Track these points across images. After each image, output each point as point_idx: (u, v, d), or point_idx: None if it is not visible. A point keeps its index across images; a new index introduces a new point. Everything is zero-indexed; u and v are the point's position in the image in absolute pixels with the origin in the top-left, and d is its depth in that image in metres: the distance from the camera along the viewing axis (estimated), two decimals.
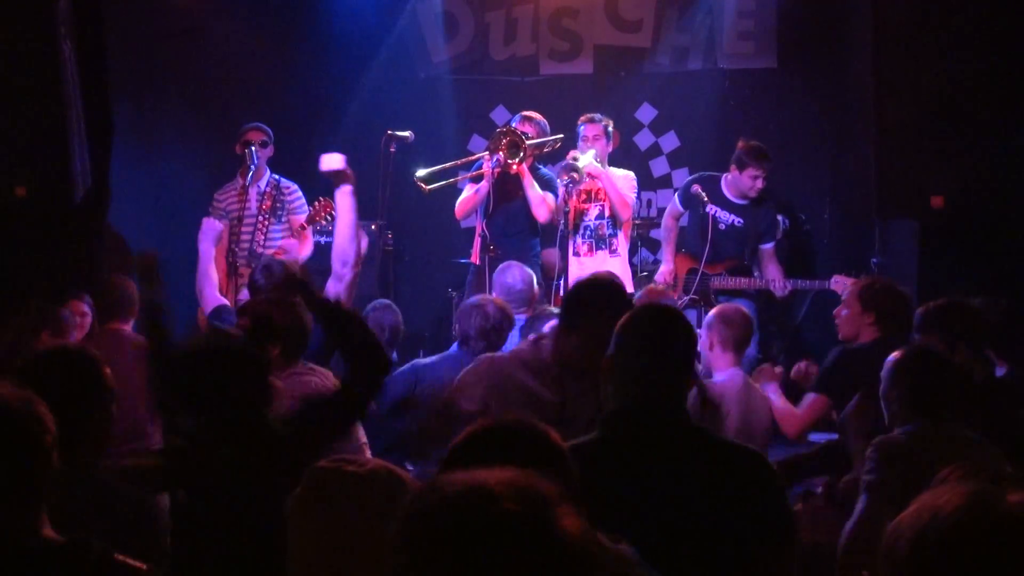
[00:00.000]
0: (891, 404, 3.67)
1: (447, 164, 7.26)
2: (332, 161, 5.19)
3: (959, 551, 1.39)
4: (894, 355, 3.72)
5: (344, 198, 5.24)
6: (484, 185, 6.98)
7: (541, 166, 7.26)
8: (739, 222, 7.20)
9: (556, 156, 7.74)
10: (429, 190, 7.08)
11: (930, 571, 1.40)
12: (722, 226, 7.22)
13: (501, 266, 6.17)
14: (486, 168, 6.93)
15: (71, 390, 2.85)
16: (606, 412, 2.83)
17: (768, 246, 7.29)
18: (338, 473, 2.19)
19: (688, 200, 7.37)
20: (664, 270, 7.36)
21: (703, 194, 7.48)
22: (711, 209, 7.22)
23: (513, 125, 7.18)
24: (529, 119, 7.23)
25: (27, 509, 2.05)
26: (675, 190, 9.12)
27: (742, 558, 2.65)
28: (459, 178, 7.27)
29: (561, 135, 7.31)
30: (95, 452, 2.93)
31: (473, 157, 7.45)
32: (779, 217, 7.53)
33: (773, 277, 7.12)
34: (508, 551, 1.28)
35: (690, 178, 7.54)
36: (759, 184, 7.16)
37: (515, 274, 5.97)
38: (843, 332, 5.11)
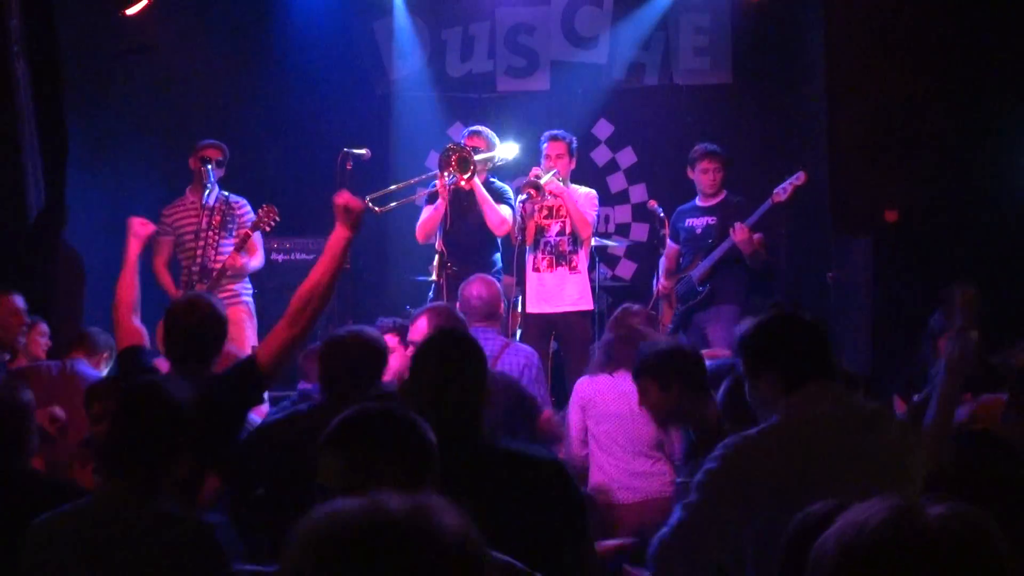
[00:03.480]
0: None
1: (399, 184, 7.24)
2: (351, 198, 4.38)
3: (884, 566, 1.40)
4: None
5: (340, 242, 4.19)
6: (440, 203, 6.97)
7: (495, 180, 7.25)
8: (712, 220, 7.26)
9: (511, 170, 7.76)
10: (381, 211, 7.06)
11: None
12: (698, 230, 7.33)
13: (466, 280, 6.12)
14: (440, 186, 6.92)
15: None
16: None
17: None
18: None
19: (672, 229, 7.50)
20: (659, 286, 7.57)
21: (658, 209, 7.59)
22: (689, 222, 7.37)
23: (462, 141, 7.17)
24: (477, 133, 7.22)
25: None
26: (632, 205, 9.20)
27: (545, 561, 2.77)
28: (412, 197, 7.23)
29: (515, 147, 7.30)
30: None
31: (424, 176, 7.41)
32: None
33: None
34: (396, 558, 1.33)
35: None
36: (713, 177, 7.26)
37: (472, 289, 5.91)
38: None
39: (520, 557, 2.50)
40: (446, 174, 6.85)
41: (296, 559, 1.37)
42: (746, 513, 2.82)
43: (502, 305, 5.96)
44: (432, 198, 7.10)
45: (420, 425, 2.35)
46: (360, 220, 4.11)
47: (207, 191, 7.01)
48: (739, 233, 6.93)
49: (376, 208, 7.00)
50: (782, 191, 7.03)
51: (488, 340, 5.50)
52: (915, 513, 1.43)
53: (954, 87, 7.06)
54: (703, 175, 7.29)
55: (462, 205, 7.02)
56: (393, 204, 7.14)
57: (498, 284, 6.03)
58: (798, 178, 7.01)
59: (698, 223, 7.35)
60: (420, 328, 4.98)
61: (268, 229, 6.95)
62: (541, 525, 2.96)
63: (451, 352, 3.19)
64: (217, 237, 7.05)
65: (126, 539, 2.81)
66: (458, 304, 5.82)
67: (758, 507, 2.79)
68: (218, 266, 6.96)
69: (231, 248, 7.05)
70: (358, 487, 1.56)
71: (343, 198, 4.06)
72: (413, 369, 3.20)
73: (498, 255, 7.19)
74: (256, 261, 7.17)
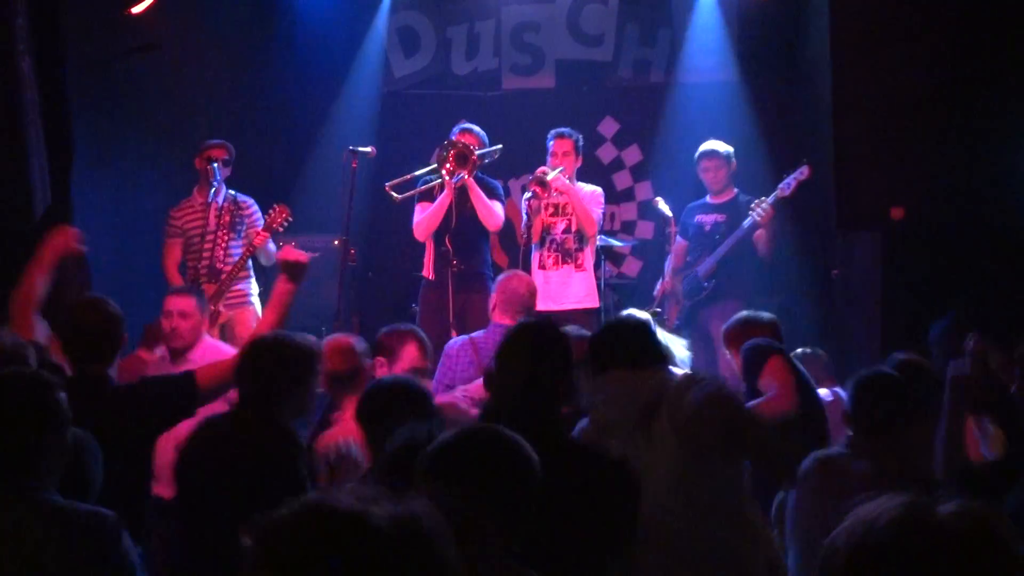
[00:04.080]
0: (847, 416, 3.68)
1: (417, 172, 7.24)
2: (296, 253, 4.40)
3: (895, 564, 1.40)
4: (860, 374, 3.73)
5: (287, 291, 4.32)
6: (446, 198, 6.97)
7: (484, 176, 7.25)
8: (722, 217, 7.27)
9: (517, 168, 7.76)
10: (400, 199, 7.07)
11: None
12: (708, 227, 7.34)
13: (506, 273, 6.05)
14: (447, 183, 6.91)
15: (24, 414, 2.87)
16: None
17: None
18: None
19: (681, 225, 7.49)
20: (662, 283, 7.57)
21: (664, 207, 7.60)
22: (699, 219, 7.41)
23: (453, 137, 7.16)
24: (469, 130, 7.21)
25: None
26: (638, 202, 9.19)
27: (600, 559, 2.83)
28: (429, 185, 7.18)
29: (500, 146, 7.30)
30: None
31: (435, 165, 7.34)
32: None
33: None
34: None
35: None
36: (715, 176, 7.30)
37: (521, 282, 5.85)
38: None
39: (579, 554, 2.50)
40: (448, 171, 6.85)
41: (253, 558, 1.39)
42: None
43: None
44: (426, 195, 7.09)
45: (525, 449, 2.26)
46: (303, 273, 4.28)
47: (213, 190, 7.02)
48: (767, 214, 6.94)
49: (396, 196, 7.01)
50: (786, 186, 7.04)
51: None
52: (926, 511, 1.43)
53: (961, 83, 7.03)
54: (704, 174, 7.38)
55: (458, 202, 7.03)
56: (411, 192, 7.15)
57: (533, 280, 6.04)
58: (802, 172, 7.01)
59: (708, 220, 7.36)
60: (411, 354, 4.83)
61: (281, 230, 6.97)
62: (603, 522, 2.95)
63: (541, 342, 3.21)
64: (226, 237, 7.06)
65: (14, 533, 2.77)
66: (497, 297, 5.74)
67: None
68: (227, 267, 6.98)
69: (239, 248, 7.06)
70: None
71: (289, 254, 4.23)
72: (500, 361, 3.22)
73: (488, 248, 7.24)
74: (269, 261, 7.15)
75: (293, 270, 4.24)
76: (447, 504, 1.60)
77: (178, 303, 5.64)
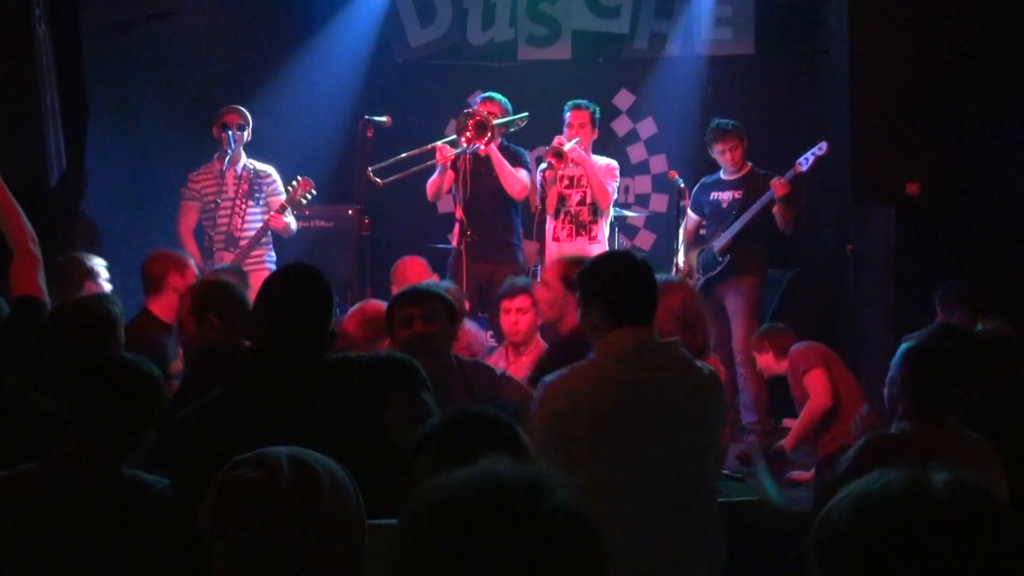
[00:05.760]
0: (894, 392, 3.60)
1: (400, 156, 7.22)
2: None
3: (897, 533, 1.42)
4: (907, 344, 3.69)
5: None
6: (449, 173, 6.99)
7: (509, 143, 7.23)
8: (739, 194, 7.23)
9: (533, 139, 7.74)
10: (384, 184, 7.05)
11: (871, 556, 1.43)
12: (724, 204, 7.30)
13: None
14: (440, 158, 6.90)
15: None
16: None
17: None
18: (240, 481, 1.86)
19: (694, 200, 7.46)
20: (678, 262, 7.51)
21: (678, 180, 7.56)
22: (715, 195, 7.36)
23: (475, 107, 7.15)
24: (491, 99, 7.20)
25: None
26: (652, 175, 9.17)
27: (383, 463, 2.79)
28: (424, 166, 7.18)
29: (526, 113, 7.28)
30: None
31: (427, 147, 7.28)
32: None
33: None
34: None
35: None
36: (731, 156, 7.24)
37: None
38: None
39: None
40: (463, 141, 6.84)
41: (413, 529, 1.40)
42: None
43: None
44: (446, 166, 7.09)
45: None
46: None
47: (229, 156, 7.03)
48: (780, 188, 6.92)
49: (379, 180, 7.00)
50: (804, 161, 7.00)
51: None
52: (922, 480, 1.46)
53: (978, 60, 6.99)
54: (720, 156, 7.30)
55: (480, 171, 7.03)
56: (395, 177, 7.13)
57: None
58: (820, 148, 6.97)
59: (724, 196, 7.32)
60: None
61: (305, 202, 6.99)
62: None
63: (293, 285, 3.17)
64: (244, 206, 7.08)
65: (92, 504, 2.80)
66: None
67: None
68: (245, 235, 6.99)
69: (258, 217, 7.08)
70: None
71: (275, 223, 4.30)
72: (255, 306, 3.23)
73: (518, 221, 7.19)
74: (294, 224, 7.17)
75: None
76: None
77: None
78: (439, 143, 7.06)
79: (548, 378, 3.32)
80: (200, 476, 1.98)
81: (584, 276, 3.46)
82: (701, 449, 3.37)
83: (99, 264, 5.55)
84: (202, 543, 1.81)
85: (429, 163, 7.10)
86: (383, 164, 7.07)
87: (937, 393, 3.50)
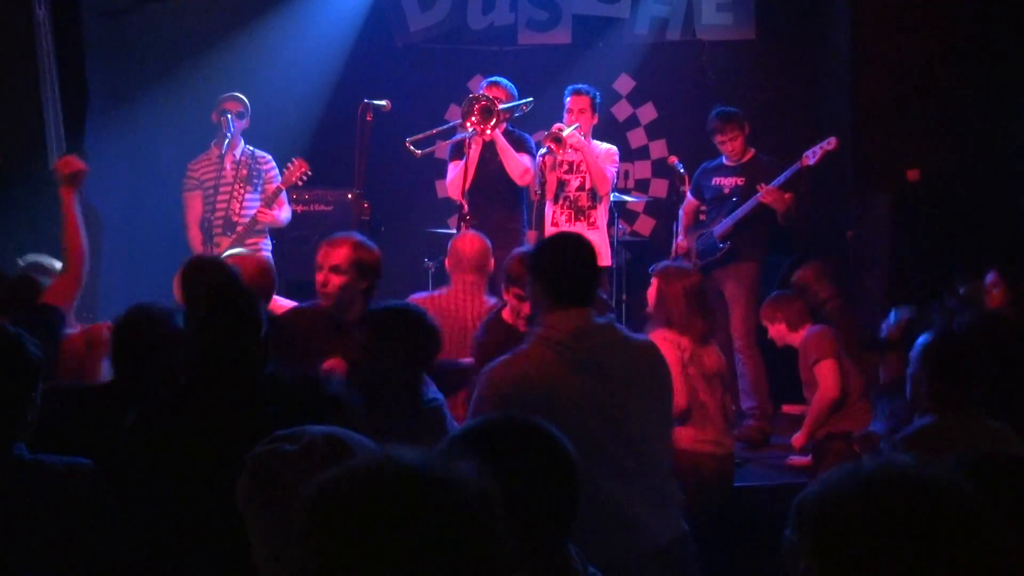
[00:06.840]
0: (917, 386, 3.65)
1: (436, 130, 7.25)
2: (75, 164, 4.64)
3: (867, 517, 1.46)
4: (925, 338, 3.70)
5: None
6: (475, 154, 6.97)
7: (514, 128, 7.22)
8: (741, 180, 7.21)
9: (534, 124, 7.73)
10: (421, 155, 7.08)
11: (850, 541, 1.47)
12: (726, 190, 7.28)
13: (459, 234, 6.08)
14: (475, 138, 6.89)
15: None
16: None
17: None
18: (275, 455, 1.92)
19: (695, 185, 7.45)
20: (677, 243, 7.47)
21: (678, 165, 7.55)
22: (717, 181, 7.32)
23: (481, 91, 7.14)
24: (496, 84, 7.18)
25: None
26: (652, 161, 9.16)
27: None
28: (446, 142, 7.20)
29: (531, 99, 7.27)
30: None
31: (455, 123, 7.32)
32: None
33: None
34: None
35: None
36: (732, 146, 7.21)
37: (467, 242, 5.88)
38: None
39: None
40: (467, 125, 6.82)
41: (308, 516, 1.40)
42: None
43: (491, 262, 5.85)
44: (456, 152, 7.08)
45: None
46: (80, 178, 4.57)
47: (227, 142, 7.03)
48: (767, 195, 6.89)
49: (417, 151, 7.01)
50: (812, 155, 6.97)
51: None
52: (901, 467, 1.51)
53: (979, 47, 6.99)
54: (722, 146, 7.25)
55: (484, 156, 7.02)
56: (430, 149, 7.17)
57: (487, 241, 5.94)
58: (829, 143, 6.94)
59: (726, 182, 7.30)
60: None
61: (300, 184, 7.01)
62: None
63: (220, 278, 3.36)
64: (242, 191, 7.09)
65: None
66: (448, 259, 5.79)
67: None
68: (243, 219, 7.01)
69: (256, 202, 7.09)
70: None
71: (66, 166, 4.50)
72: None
73: (523, 207, 7.18)
74: (285, 214, 7.20)
75: (71, 178, 4.51)
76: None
77: None
78: (458, 122, 7.06)
79: (489, 366, 3.42)
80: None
81: (532, 256, 3.58)
82: (649, 414, 3.48)
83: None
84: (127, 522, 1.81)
85: (445, 144, 7.10)
86: (419, 136, 7.08)
87: (959, 384, 3.54)
